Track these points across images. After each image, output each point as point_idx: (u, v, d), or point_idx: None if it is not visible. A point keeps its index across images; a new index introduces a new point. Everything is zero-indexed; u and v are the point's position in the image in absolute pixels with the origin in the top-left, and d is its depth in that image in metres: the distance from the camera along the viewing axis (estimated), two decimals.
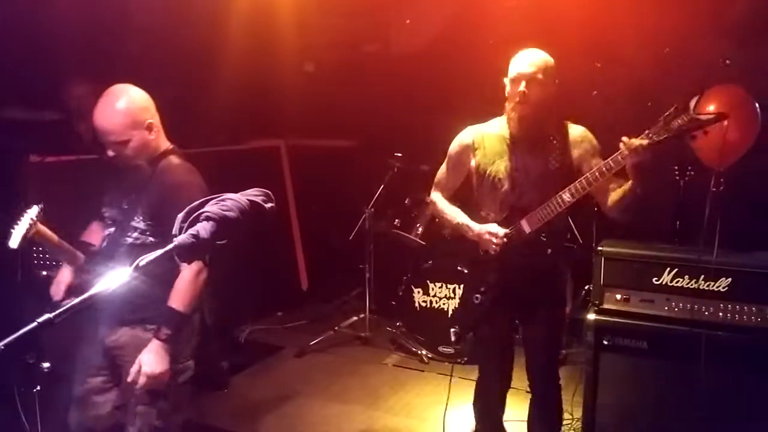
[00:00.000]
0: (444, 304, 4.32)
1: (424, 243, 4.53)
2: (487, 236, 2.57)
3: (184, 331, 2.47)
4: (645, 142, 2.26)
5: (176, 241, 1.32)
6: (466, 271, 4.26)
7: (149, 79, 4.50)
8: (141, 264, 1.25)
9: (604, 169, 2.38)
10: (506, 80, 2.58)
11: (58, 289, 2.51)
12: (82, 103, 4.33)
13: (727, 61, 4.26)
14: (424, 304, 4.37)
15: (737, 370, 2.65)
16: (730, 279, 2.70)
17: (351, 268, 5.12)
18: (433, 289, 4.34)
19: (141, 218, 2.39)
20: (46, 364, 1.06)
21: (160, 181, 2.40)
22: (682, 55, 4.43)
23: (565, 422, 3.17)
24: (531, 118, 2.52)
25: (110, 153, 2.40)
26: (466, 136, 2.72)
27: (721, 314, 2.71)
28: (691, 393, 2.68)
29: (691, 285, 2.76)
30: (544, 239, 2.57)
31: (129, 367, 2.30)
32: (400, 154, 4.74)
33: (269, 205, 1.49)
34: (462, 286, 3.56)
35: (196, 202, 1.41)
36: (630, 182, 2.38)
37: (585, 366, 2.95)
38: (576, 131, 2.63)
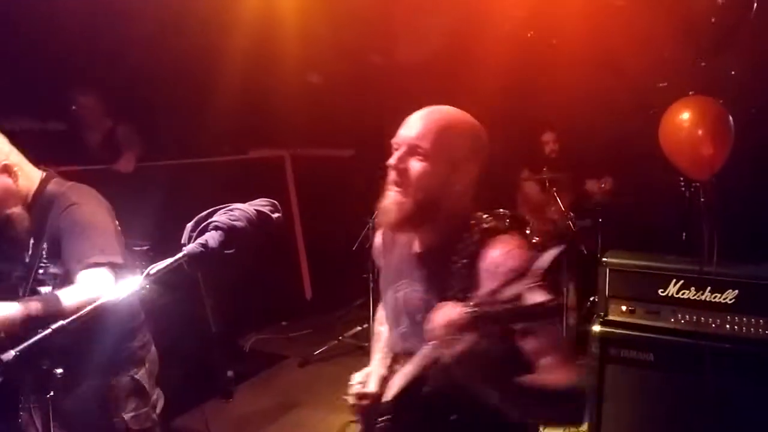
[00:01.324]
0: None
1: None
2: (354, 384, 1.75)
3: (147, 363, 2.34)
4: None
5: (185, 250, 1.32)
6: None
7: (153, 90, 4.56)
8: (152, 272, 1.26)
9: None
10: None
11: None
12: (88, 112, 4.37)
13: (702, 63, 4.27)
14: None
15: (744, 382, 2.63)
16: (737, 291, 2.69)
17: (354, 277, 5.12)
18: None
19: (50, 264, 2.07)
20: (59, 370, 1.06)
21: (57, 222, 2.06)
22: (676, 59, 4.45)
23: None
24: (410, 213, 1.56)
25: None
26: (378, 234, 1.85)
27: (728, 326, 2.70)
28: (698, 405, 2.67)
29: (698, 297, 2.75)
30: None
31: None
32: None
33: (276, 215, 1.50)
34: None
35: (205, 212, 1.42)
36: None
37: (590, 378, 2.94)
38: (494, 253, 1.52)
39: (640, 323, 2.86)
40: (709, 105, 3.39)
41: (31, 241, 2.10)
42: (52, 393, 1.11)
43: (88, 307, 1.19)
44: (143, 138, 4.48)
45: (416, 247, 1.66)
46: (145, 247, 3.24)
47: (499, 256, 1.51)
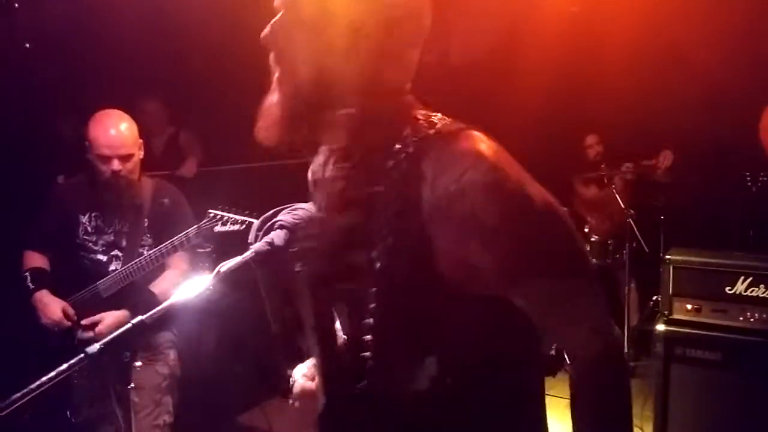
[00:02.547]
0: None
1: None
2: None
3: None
4: None
5: (253, 248, 1.37)
6: None
7: (213, 95, 4.70)
8: (222, 270, 1.32)
9: None
10: None
11: (53, 312, 2.56)
12: (152, 118, 4.54)
13: None
14: None
15: None
16: None
17: None
18: None
19: (149, 236, 2.61)
20: (138, 363, 1.13)
21: (159, 198, 2.66)
22: (753, 55, 4.29)
23: None
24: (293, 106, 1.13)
25: (115, 166, 2.54)
26: None
27: None
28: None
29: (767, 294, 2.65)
30: None
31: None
32: None
33: None
34: None
35: (270, 212, 1.47)
36: None
37: (655, 379, 2.87)
38: None
39: (707, 322, 2.77)
40: None
41: (130, 216, 2.61)
42: (132, 384, 1.18)
43: (164, 304, 1.26)
44: (205, 143, 4.63)
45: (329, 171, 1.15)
46: (208, 249, 3.36)
47: (459, 175, 0.93)
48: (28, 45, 3.95)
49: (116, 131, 2.56)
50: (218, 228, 2.39)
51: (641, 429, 3.18)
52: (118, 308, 2.49)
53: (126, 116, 2.65)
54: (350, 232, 1.07)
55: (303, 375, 1.43)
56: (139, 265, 2.55)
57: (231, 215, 2.41)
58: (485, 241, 0.94)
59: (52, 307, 2.55)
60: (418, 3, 1.10)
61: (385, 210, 0.99)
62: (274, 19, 1.09)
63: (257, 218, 2.50)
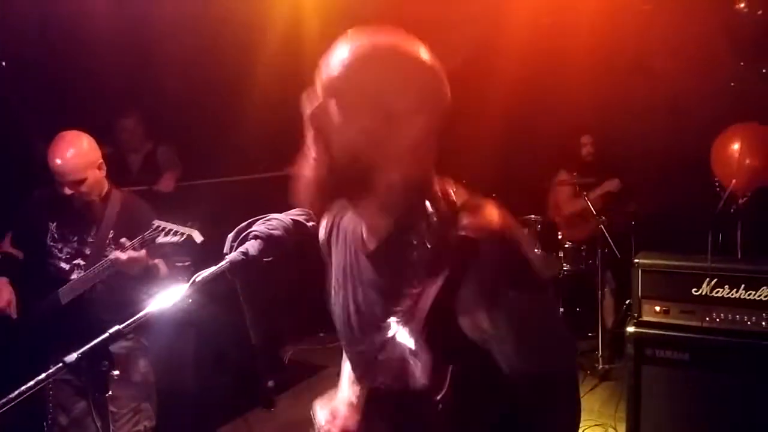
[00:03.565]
0: None
1: None
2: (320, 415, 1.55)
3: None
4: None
5: (228, 258, 1.42)
6: None
7: (190, 110, 4.73)
8: (197, 280, 1.36)
9: None
10: None
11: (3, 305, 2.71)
12: (130, 135, 4.56)
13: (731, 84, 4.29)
14: None
15: None
16: None
17: None
18: None
19: (113, 247, 2.67)
20: (116, 372, 1.17)
21: (126, 211, 2.75)
22: (711, 63, 4.44)
23: None
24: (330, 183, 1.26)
25: (67, 191, 2.65)
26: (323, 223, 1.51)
27: (764, 323, 2.69)
28: (736, 404, 2.66)
29: (732, 295, 2.75)
30: None
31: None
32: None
33: (311, 223, 1.58)
34: None
35: (245, 223, 1.52)
36: None
37: (627, 379, 2.95)
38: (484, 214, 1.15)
39: (675, 323, 2.86)
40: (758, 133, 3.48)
41: (95, 228, 2.72)
42: (110, 392, 1.21)
43: (141, 314, 1.29)
44: (182, 158, 4.65)
45: (365, 236, 1.27)
46: (186, 263, 3.38)
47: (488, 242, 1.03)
48: (3, 63, 3.97)
49: (62, 160, 2.61)
50: (160, 239, 2.47)
51: (615, 429, 3.26)
52: (79, 315, 2.60)
53: (79, 140, 2.67)
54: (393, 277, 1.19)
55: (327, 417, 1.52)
56: (95, 271, 2.61)
57: (173, 226, 2.48)
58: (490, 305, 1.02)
59: (2, 294, 2.70)
60: (440, 79, 1.18)
61: (419, 263, 1.12)
62: (315, 103, 1.20)
63: (198, 230, 2.61)
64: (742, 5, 4.21)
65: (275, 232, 1.51)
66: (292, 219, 1.58)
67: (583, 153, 4.75)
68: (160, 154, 4.64)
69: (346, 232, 1.38)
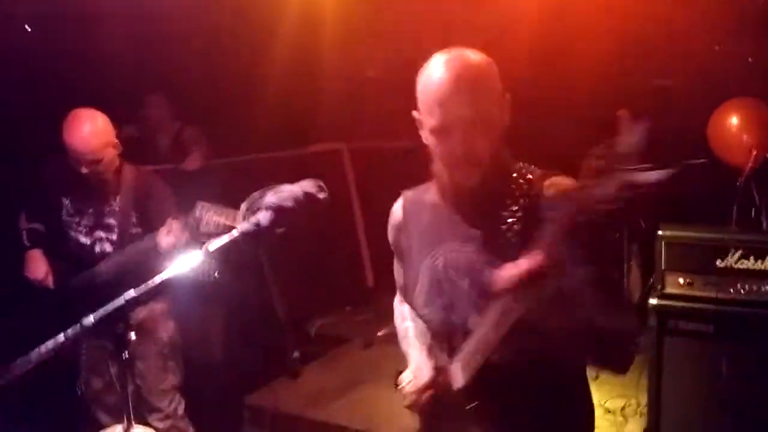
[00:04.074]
0: None
1: None
2: (404, 381, 1.69)
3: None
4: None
5: (240, 228, 1.46)
6: None
7: (214, 91, 4.79)
8: (210, 249, 1.40)
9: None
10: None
11: (39, 270, 2.82)
12: (157, 116, 4.65)
13: (750, 59, 4.14)
14: None
15: None
16: None
17: None
18: None
19: (135, 217, 2.80)
20: (133, 334, 1.22)
21: (142, 187, 2.82)
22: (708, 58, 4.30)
23: (630, 407, 3.16)
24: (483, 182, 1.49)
25: (84, 170, 2.69)
26: (395, 207, 1.77)
27: None
28: (760, 376, 2.63)
29: (758, 266, 2.70)
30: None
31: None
32: None
33: (322, 195, 1.61)
34: None
35: (256, 193, 1.55)
36: None
37: (650, 350, 2.93)
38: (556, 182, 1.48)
39: (699, 295, 2.83)
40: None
41: (112, 199, 2.80)
42: (126, 355, 1.27)
43: (158, 280, 1.35)
44: (208, 137, 4.73)
45: (455, 204, 1.53)
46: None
47: (569, 186, 1.35)
48: (28, 28, 4.05)
49: (80, 140, 2.64)
50: (206, 220, 2.45)
51: (637, 399, 3.25)
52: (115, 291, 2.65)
53: (94, 119, 2.69)
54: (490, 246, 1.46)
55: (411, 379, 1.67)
56: (132, 253, 2.70)
57: (218, 208, 2.47)
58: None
59: (39, 266, 2.82)
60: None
61: (515, 228, 1.44)
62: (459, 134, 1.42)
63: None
64: None
65: (286, 203, 1.54)
66: (303, 191, 1.61)
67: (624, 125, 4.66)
68: (186, 133, 4.72)
69: (428, 206, 1.62)
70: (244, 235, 1.48)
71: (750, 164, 3.22)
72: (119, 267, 2.73)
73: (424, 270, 1.59)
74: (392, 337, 5.10)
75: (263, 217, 1.51)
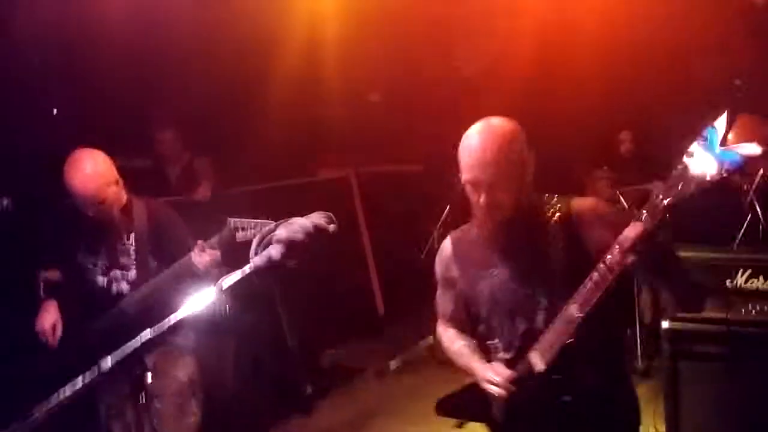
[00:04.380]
0: None
1: None
2: (487, 383, 1.92)
3: None
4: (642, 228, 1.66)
5: (253, 263, 1.48)
6: None
7: (223, 122, 4.87)
8: (224, 285, 1.42)
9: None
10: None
11: (44, 321, 2.76)
12: (169, 147, 4.72)
13: (737, 81, 4.18)
14: None
15: None
16: None
17: (425, 288, 5.21)
18: None
19: (150, 252, 2.76)
20: (149, 375, 1.23)
21: (154, 219, 2.78)
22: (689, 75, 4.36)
23: None
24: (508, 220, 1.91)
25: (89, 212, 2.67)
26: (444, 244, 2.12)
27: None
28: None
29: (766, 286, 2.69)
30: (559, 379, 1.82)
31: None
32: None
33: (332, 226, 1.63)
34: None
35: (267, 227, 1.58)
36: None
37: (664, 375, 2.91)
38: (577, 204, 1.93)
39: (710, 316, 2.81)
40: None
41: (129, 238, 2.77)
42: (144, 398, 1.28)
43: (174, 319, 1.37)
44: (218, 168, 4.80)
45: (495, 236, 1.94)
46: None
47: (594, 204, 1.96)
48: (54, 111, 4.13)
49: (81, 183, 2.62)
50: (240, 236, 2.50)
51: (656, 428, 3.20)
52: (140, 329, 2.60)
53: (93, 160, 2.67)
54: (535, 263, 1.88)
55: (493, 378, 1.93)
56: (165, 279, 2.65)
57: (251, 221, 2.50)
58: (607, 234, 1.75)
59: (47, 318, 2.77)
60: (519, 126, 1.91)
61: (556, 246, 1.85)
62: (480, 193, 1.84)
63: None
64: None
65: (297, 236, 1.56)
66: (313, 223, 1.64)
67: (621, 150, 4.70)
68: (196, 164, 4.79)
69: (473, 242, 2.02)
70: (257, 269, 1.50)
71: (756, 182, 3.23)
72: (139, 305, 2.68)
73: (480, 292, 1.98)
74: (405, 367, 5.11)
75: (275, 251, 1.54)
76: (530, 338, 1.86)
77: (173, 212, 2.91)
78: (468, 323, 2.09)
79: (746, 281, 2.73)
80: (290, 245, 1.54)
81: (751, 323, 2.71)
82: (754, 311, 2.71)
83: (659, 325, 3.50)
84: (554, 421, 1.86)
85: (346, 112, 5.41)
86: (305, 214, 1.80)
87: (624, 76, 4.77)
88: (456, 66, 5.84)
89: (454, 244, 2.08)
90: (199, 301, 1.43)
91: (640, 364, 4.22)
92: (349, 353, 5.09)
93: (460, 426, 2.90)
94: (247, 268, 1.48)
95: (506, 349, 1.95)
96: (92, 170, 2.64)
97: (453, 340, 2.12)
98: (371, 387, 4.52)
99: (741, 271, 2.74)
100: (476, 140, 1.86)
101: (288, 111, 4.77)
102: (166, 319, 1.37)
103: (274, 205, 4.53)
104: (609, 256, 1.69)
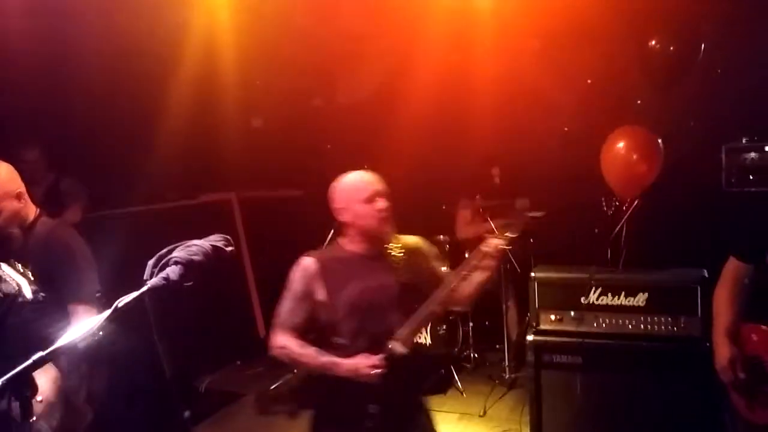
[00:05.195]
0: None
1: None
2: (364, 366, 2.29)
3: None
4: (503, 242, 2.38)
5: (149, 284, 1.50)
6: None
7: (98, 140, 4.67)
8: (120, 306, 1.43)
9: (464, 273, 2.39)
10: (350, 203, 2.41)
11: None
12: (32, 167, 4.43)
13: (638, 101, 4.77)
14: None
15: (658, 376, 2.93)
16: (647, 294, 3.02)
17: None
18: None
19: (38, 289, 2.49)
20: (39, 398, 1.21)
21: (45, 245, 2.52)
22: (602, 92, 4.90)
23: None
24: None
25: None
26: (308, 263, 2.44)
27: (642, 326, 3.01)
28: (624, 400, 2.96)
29: (614, 302, 3.06)
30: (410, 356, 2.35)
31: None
32: None
33: (229, 248, 1.69)
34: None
35: (164, 249, 1.60)
36: (481, 275, 2.45)
37: (528, 384, 3.19)
38: (413, 240, 2.54)
39: (568, 330, 3.14)
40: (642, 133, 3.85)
41: (18, 265, 2.51)
42: (34, 418, 1.26)
43: (60, 344, 1.34)
44: (89, 189, 4.57)
45: (369, 258, 2.44)
46: (97, 294, 3.33)
47: (417, 240, 2.57)
48: None
49: None
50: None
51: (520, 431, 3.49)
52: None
53: None
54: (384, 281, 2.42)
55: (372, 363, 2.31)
56: (24, 317, 2.44)
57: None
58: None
59: None
60: None
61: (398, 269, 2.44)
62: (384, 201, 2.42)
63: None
64: (654, 42, 4.63)
65: (195, 258, 1.60)
66: (211, 245, 1.68)
67: (496, 181, 5.09)
68: (63, 185, 4.53)
69: (342, 265, 2.43)
70: (153, 290, 1.52)
71: (630, 210, 3.63)
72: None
73: (342, 301, 2.38)
74: (285, 391, 5.08)
75: (172, 271, 1.56)
76: (378, 338, 2.33)
77: (70, 239, 2.63)
78: (307, 333, 2.46)
79: (598, 298, 3.09)
80: (188, 266, 1.58)
81: (602, 335, 3.07)
82: (604, 324, 3.07)
83: (524, 339, 3.84)
84: (414, 386, 2.47)
85: (231, 136, 5.38)
86: (186, 236, 1.83)
87: (488, 115, 5.15)
88: (339, 96, 6.01)
89: (320, 262, 2.43)
90: (89, 325, 1.42)
91: (507, 376, 4.54)
92: (230, 377, 5.01)
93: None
94: (143, 289, 1.50)
95: (356, 348, 2.34)
96: None
97: (302, 346, 2.41)
98: (251, 411, 4.47)
99: (593, 289, 3.09)
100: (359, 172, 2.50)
101: (170, 134, 4.67)
102: (57, 342, 1.35)
103: (153, 228, 4.40)
104: (469, 264, 2.42)
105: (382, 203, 2.40)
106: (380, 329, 2.35)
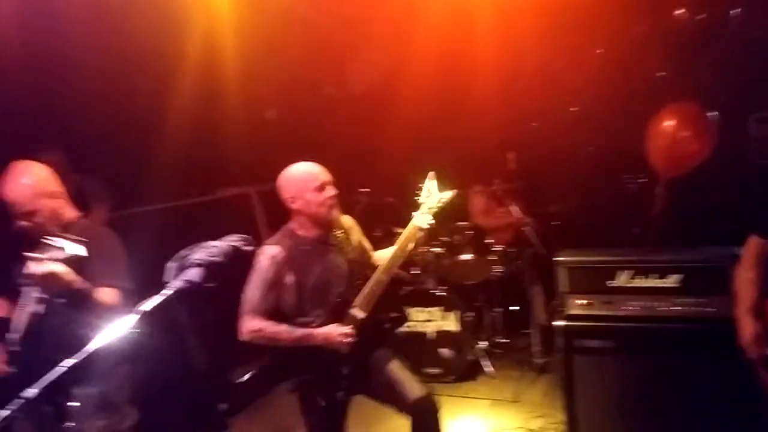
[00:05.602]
0: (424, 327, 4.50)
1: (401, 271, 4.71)
2: (336, 334, 2.59)
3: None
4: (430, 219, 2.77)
5: (173, 286, 1.49)
6: (444, 294, 4.47)
7: (117, 142, 4.69)
8: (145, 310, 1.43)
9: (408, 248, 2.74)
10: (301, 192, 2.70)
11: None
12: (55, 170, 4.47)
13: (659, 74, 4.63)
14: (404, 329, 4.54)
15: (694, 359, 2.86)
16: (681, 275, 2.94)
17: None
18: (411, 314, 4.52)
19: None
20: (75, 403, 1.21)
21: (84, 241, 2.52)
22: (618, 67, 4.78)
23: (550, 424, 3.35)
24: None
25: (22, 223, 2.55)
26: (275, 251, 2.68)
27: (673, 308, 2.94)
28: (657, 383, 2.90)
29: (644, 284, 2.99)
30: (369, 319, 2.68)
31: None
32: (366, 189, 4.95)
33: (249, 247, 1.68)
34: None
35: (184, 251, 1.60)
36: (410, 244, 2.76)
37: (559, 370, 3.15)
38: (347, 220, 2.90)
39: (598, 314, 3.08)
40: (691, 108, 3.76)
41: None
42: (69, 424, 1.27)
43: (94, 346, 1.35)
44: (113, 189, 4.60)
45: (322, 242, 2.75)
46: (128, 288, 3.37)
47: (349, 220, 2.92)
48: None
49: (11, 191, 2.54)
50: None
51: (555, 417, 3.45)
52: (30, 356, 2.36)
53: (29, 170, 2.61)
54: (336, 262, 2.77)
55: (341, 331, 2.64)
56: (50, 308, 2.47)
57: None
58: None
59: None
60: None
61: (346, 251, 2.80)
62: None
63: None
64: (682, 11, 4.48)
65: (216, 259, 1.60)
66: (230, 245, 1.67)
67: (511, 167, 5.01)
68: (88, 187, 4.57)
69: (302, 250, 2.71)
70: (177, 292, 1.52)
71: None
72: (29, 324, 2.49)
73: (309, 283, 2.68)
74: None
75: (194, 273, 1.56)
76: (338, 311, 2.65)
77: (107, 240, 2.68)
78: (273, 316, 2.66)
79: (627, 281, 3.02)
80: (209, 268, 1.57)
81: (632, 318, 3.00)
82: (631, 307, 3.01)
83: (552, 324, 3.79)
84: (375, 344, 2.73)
85: (244, 129, 5.37)
86: (208, 233, 1.82)
87: (498, 96, 5.05)
88: (348, 85, 5.97)
89: (286, 250, 2.68)
90: (119, 329, 1.42)
91: (537, 361, 4.49)
92: (264, 369, 5.03)
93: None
94: (167, 292, 1.49)
95: (319, 325, 2.65)
96: (26, 179, 2.57)
97: (276, 325, 2.64)
98: (286, 400, 4.49)
99: (621, 271, 3.02)
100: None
101: (185, 129, 4.67)
102: (86, 347, 1.35)
103: (175, 225, 4.42)
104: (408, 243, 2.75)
105: (330, 191, 2.67)
106: (339, 303, 2.67)
